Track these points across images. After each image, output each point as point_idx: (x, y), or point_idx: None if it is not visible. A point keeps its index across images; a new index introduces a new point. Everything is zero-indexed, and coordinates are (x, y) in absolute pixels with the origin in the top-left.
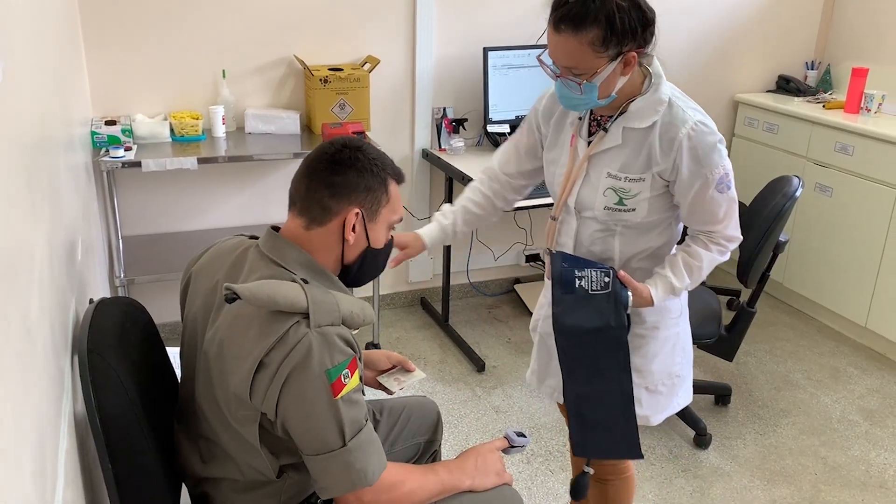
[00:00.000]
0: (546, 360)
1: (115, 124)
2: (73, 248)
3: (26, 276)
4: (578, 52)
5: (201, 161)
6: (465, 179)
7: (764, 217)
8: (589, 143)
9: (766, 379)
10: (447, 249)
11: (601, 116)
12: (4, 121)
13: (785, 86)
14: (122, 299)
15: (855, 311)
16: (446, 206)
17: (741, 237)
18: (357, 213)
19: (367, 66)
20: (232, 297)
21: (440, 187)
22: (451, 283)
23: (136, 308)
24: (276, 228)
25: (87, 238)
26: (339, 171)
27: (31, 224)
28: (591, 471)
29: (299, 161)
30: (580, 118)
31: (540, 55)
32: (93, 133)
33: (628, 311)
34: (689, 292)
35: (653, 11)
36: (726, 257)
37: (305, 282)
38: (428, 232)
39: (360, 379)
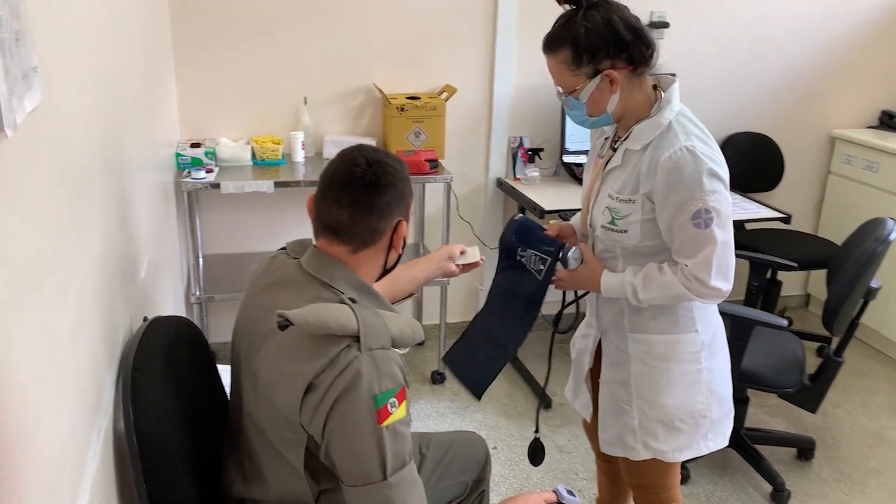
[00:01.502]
0: (579, 378)
1: (199, 147)
2: (135, 265)
3: (55, 290)
4: (558, 71)
5: (278, 185)
6: (538, 210)
7: (853, 261)
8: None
9: (855, 434)
10: None
11: (617, 138)
12: (40, 141)
13: (888, 121)
14: (176, 318)
15: None
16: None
17: (720, 289)
18: (403, 223)
19: (444, 95)
20: (285, 325)
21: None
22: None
23: (188, 327)
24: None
25: (158, 256)
26: (379, 191)
27: (71, 241)
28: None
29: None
30: (606, 139)
31: None
32: (177, 155)
33: (569, 266)
34: (771, 338)
35: (635, 31)
36: (696, 299)
37: (354, 301)
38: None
39: (408, 412)
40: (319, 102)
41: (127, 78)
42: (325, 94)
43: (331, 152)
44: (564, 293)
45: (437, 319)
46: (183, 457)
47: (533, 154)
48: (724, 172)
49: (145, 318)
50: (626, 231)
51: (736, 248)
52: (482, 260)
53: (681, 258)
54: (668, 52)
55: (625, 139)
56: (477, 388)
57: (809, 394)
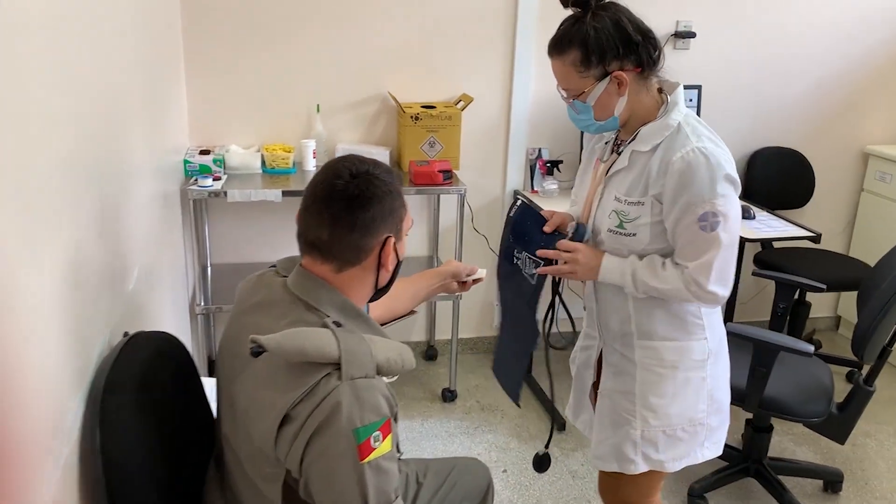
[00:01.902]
0: (580, 395)
1: (208, 154)
2: (122, 275)
3: None
4: (565, 73)
5: (286, 194)
6: None
7: (887, 284)
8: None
9: (887, 466)
10: None
11: (620, 141)
12: None
13: None
14: (160, 334)
15: None
16: None
17: (717, 293)
18: (391, 240)
19: (460, 105)
20: (258, 351)
21: None
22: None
23: (171, 344)
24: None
25: (156, 265)
26: (362, 205)
27: (26, 252)
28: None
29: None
30: (606, 143)
31: (558, 84)
32: (185, 161)
33: (586, 237)
34: (796, 364)
35: (643, 32)
36: (694, 301)
37: (339, 325)
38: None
39: (396, 446)
40: (333, 110)
41: (124, 81)
42: (338, 101)
43: None
44: (549, 314)
45: (450, 335)
46: (156, 484)
47: (552, 166)
48: (735, 175)
49: (126, 333)
50: (634, 234)
51: (763, 268)
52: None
53: (682, 260)
54: (693, 63)
55: (630, 142)
56: (512, 396)
57: (837, 424)
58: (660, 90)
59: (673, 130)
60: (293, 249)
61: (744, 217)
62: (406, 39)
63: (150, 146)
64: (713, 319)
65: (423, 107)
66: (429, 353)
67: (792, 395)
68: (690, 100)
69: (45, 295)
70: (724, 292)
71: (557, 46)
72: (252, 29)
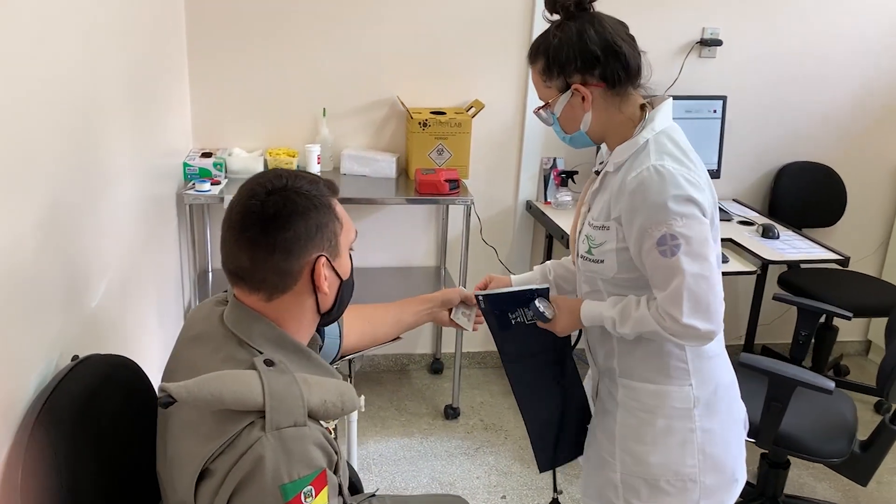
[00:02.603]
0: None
1: (210, 157)
2: (83, 290)
3: None
4: (535, 81)
5: None
6: (565, 238)
7: None
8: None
9: None
10: None
11: (603, 161)
12: None
13: None
14: (112, 358)
15: None
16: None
17: (697, 328)
18: (322, 259)
19: (471, 111)
20: (167, 402)
21: (542, 244)
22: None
23: (126, 369)
24: None
25: (133, 276)
26: (281, 225)
27: None
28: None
29: (389, 207)
30: (601, 163)
31: None
32: (185, 164)
33: (547, 315)
34: (816, 398)
35: (607, 47)
36: (674, 339)
37: (271, 364)
38: (520, 275)
39: (336, 496)
40: (339, 114)
41: (111, 81)
42: (345, 105)
43: (349, 168)
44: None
45: (453, 348)
46: None
47: (566, 177)
48: (700, 195)
49: (75, 357)
50: (602, 261)
51: (788, 289)
52: (474, 329)
53: (654, 290)
54: (719, 72)
55: (607, 163)
56: (570, 455)
57: (859, 464)
58: (644, 106)
59: (639, 148)
60: None
61: (767, 236)
62: (417, 43)
63: (141, 149)
64: (706, 365)
65: (432, 112)
66: (434, 366)
67: (810, 432)
68: (688, 111)
69: None
70: (706, 326)
71: (530, 54)
72: (258, 29)
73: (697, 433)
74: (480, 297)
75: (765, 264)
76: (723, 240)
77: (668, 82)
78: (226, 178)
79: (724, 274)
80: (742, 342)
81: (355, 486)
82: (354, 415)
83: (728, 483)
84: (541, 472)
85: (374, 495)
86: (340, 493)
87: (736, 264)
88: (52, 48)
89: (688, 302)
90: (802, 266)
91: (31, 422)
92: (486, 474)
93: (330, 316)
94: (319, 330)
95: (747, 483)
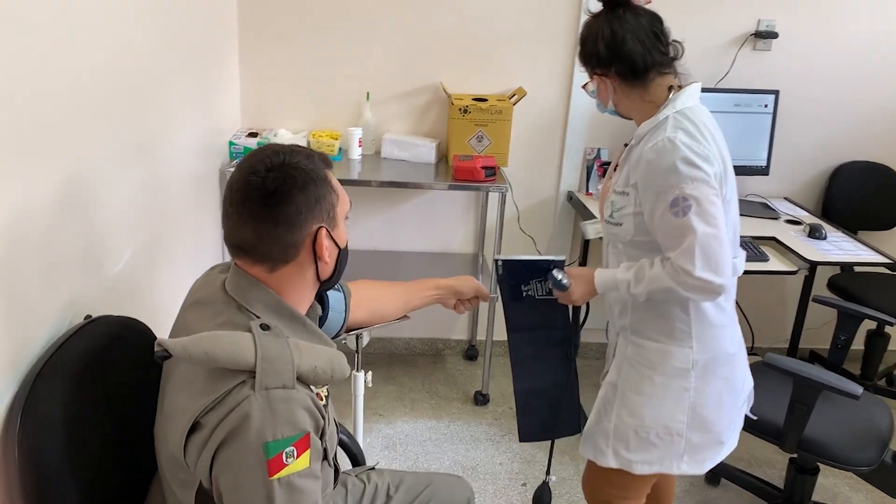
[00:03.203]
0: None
1: (256, 136)
2: (105, 256)
3: None
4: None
5: None
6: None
7: None
8: None
9: None
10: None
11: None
12: None
13: None
14: (122, 319)
15: None
16: None
17: (710, 280)
18: (322, 230)
19: (513, 98)
20: (163, 356)
21: (581, 235)
22: (583, 339)
23: (133, 330)
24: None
25: (163, 248)
26: (282, 200)
27: None
28: (553, 478)
29: (430, 193)
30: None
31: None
32: (230, 143)
33: (564, 284)
34: (850, 403)
35: (615, 50)
36: (689, 293)
37: (267, 328)
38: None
39: (319, 460)
40: (383, 99)
41: (162, 58)
42: (389, 90)
43: (389, 152)
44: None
45: (485, 335)
46: (88, 486)
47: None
48: (705, 163)
49: (88, 317)
50: (621, 224)
51: (837, 292)
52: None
53: (667, 251)
54: (773, 66)
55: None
56: (574, 428)
57: (891, 474)
58: (672, 87)
59: (658, 123)
60: None
61: (814, 236)
62: (463, 29)
63: (188, 126)
64: (710, 333)
65: (474, 99)
66: (469, 352)
67: (838, 438)
68: (739, 105)
69: None
70: (718, 279)
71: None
72: (307, 13)
73: (691, 392)
74: (499, 263)
75: (813, 266)
76: (765, 238)
77: (720, 75)
78: None
79: (762, 273)
80: (787, 345)
81: (357, 459)
82: (361, 390)
83: (713, 444)
84: (521, 441)
85: (373, 469)
86: (326, 458)
87: (776, 263)
88: (112, 26)
89: (700, 258)
90: (856, 269)
91: (35, 373)
92: (509, 461)
93: (328, 283)
94: (325, 303)
95: (773, 487)
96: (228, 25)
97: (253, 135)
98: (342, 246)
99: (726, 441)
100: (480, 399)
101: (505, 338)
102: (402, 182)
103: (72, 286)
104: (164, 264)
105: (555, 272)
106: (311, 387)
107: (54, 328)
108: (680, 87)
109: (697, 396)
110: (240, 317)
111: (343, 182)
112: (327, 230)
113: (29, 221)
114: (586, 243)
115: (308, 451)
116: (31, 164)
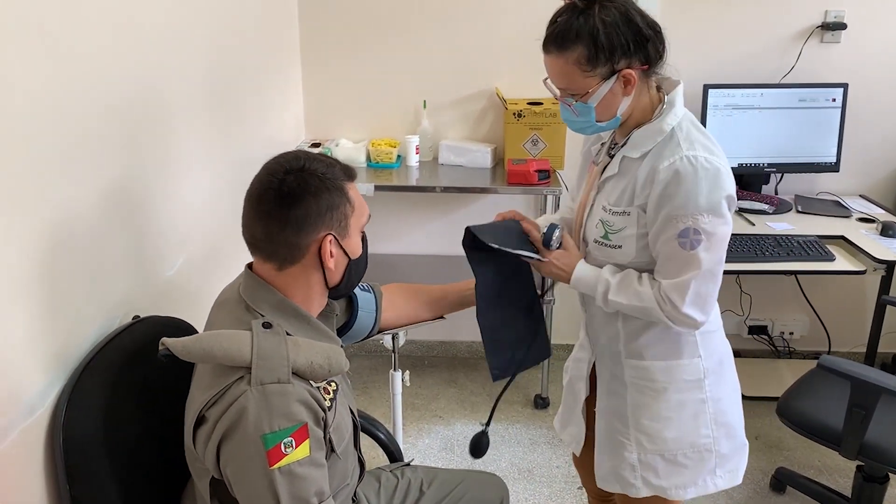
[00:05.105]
0: (571, 406)
1: (317, 147)
2: (159, 261)
3: None
4: (566, 72)
5: (379, 188)
6: None
7: None
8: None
9: None
10: None
11: (615, 143)
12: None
13: None
14: (166, 319)
15: None
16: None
17: (694, 318)
18: (329, 238)
19: None
20: (165, 354)
21: None
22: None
23: (177, 328)
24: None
25: (217, 256)
26: (294, 202)
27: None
28: (487, 428)
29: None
30: (602, 144)
31: (545, 79)
32: None
33: (551, 245)
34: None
35: (652, 26)
36: (666, 321)
37: (268, 326)
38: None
39: (321, 450)
40: (439, 106)
41: (225, 73)
42: (445, 98)
43: (446, 158)
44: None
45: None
46: (124, 469)
47: None
48: (731, 189)
49: (136, 317)
50: (620, 246)
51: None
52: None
53: (660, 276)
54: (841, 58)
55: (622, 145)
56: (545, 354)
57: None
58: (658, 88)
59: (665, 136)
60: (392, 244)
61: (887, 235)
62: (518, 35)
63: (255, 138)
64: (710, 338)
65: (528, 103)
66: None
67: None
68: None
69: (40, 272)
70: (701, 317)
71: (558, 42)
72: (364, 27)
73: (709, 403)
74: (468, 227)
75: (890, 266)
76: (833, 237)
77: (784, 70)
78: None
79: (826, 273)
80: (864, 349)
81: (394, 456)
82: (398, 389)
83: (739, 448)
84: (494, 380)
85: (408, 465)
86: (334, 450)
87: (843, 263)
88: (189, 45)
89: (692, 294)
90: None
91: (81, 368)
92: (566, 464)
93: (338, 291)
94: (354, 304)
95: (841, 496)
96: (291, 44)
97: (316, 145)
98: (353, 257)
99: (747, 441)
100: (540, 402)
101: (565, 342)
102: (459, 187)
103: (122, 289)
104: (215, 271)
105: (557, 230)
106: (311, 381)
107: (103, 327)
108: (663, 88)
109: (715, 405)
110: (247, 315)
111: (402, 189)
112: (336, 239)
113: (80, 227)
114: None
115: (307, 441)
116: (88, 172)
